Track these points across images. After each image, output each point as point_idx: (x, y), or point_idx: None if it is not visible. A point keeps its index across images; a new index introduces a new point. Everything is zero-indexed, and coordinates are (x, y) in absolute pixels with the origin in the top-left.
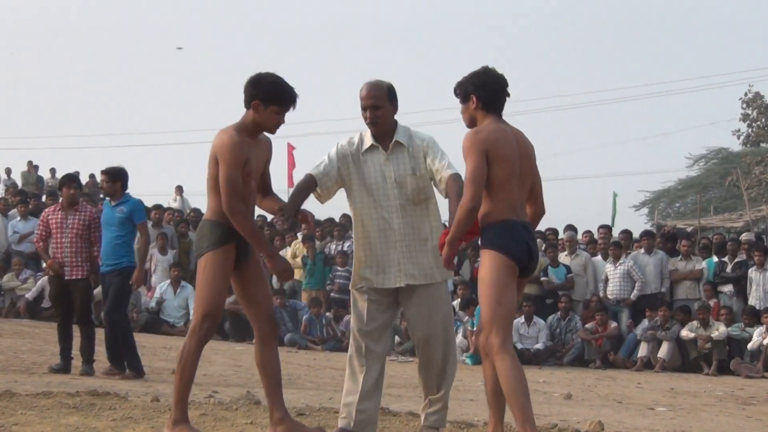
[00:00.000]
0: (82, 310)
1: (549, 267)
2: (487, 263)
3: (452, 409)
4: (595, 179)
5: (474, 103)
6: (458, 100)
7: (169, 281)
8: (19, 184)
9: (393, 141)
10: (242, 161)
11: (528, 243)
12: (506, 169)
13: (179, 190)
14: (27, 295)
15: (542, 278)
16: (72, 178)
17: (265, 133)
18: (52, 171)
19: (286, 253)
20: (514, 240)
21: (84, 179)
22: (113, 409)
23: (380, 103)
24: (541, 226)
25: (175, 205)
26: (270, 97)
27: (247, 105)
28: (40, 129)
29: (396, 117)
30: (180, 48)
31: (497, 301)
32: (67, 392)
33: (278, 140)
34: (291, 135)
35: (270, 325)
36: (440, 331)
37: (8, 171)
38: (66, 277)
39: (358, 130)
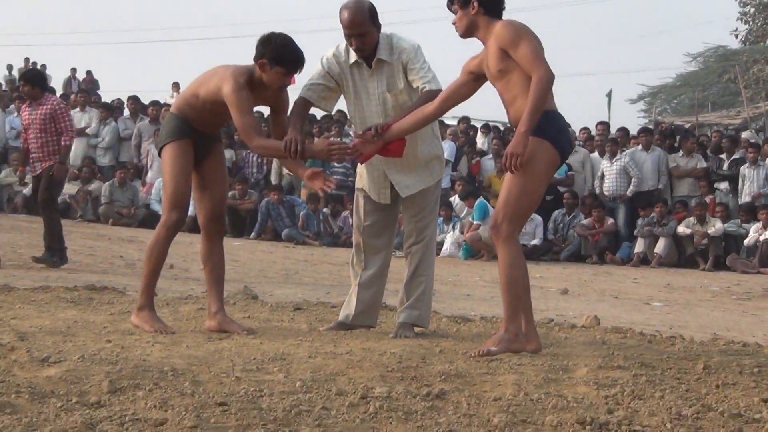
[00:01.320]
0: (42, 194)
1: None
2: (538, 153)
3: (448, 304)
4: (593, 76)
5: (475, 9)
6: (454, 7)
7: None
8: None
9: (375, 58)
10: (251, 106)
11: (570, 138)
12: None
13: (176, 86)
14: (24, 191)
15: None
16: (28, 76)
17: None
18: (43, 67)
19: None
20: (563, 133)
21: (81, 75)
22: (111, 304)
23: (365, 29)
24: None
25: (171, 101)
26: (277, 58)
27: (256, 61)
28: (38, 25)
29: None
30: None
31: (523, 191)
32: (65, 287)
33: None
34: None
35: (216, 225)
36: (423, 233)
37: (9, 67)
38: (35, 173)
39: None
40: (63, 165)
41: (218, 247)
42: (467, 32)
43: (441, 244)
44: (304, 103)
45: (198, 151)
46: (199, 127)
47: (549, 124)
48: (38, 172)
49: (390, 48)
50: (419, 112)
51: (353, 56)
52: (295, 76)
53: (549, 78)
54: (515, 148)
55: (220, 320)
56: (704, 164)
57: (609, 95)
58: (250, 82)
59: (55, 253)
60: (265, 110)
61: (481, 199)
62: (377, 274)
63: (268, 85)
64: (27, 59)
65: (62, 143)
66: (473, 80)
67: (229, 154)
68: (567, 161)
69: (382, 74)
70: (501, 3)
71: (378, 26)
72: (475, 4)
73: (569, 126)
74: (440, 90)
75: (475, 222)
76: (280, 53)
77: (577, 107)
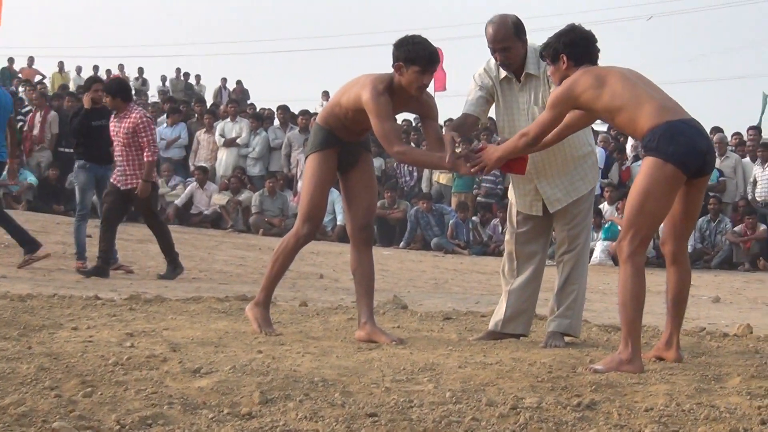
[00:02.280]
0: (139, 212)
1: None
2: (644, 169)
3: (598, 313)
4: (745, 80)
5: (565, 63)
6: (546, 62)
7: None
8: (170, 91)
9: (524, 72)
10: (390, 112)
11: (695, 142)
12: (620, 80)
13: (326, 95)
14: (176, 201)
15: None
16: (109, 87)
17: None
18: (197, 78)
19: None
20: (675, 143)
21: (231, 85)
22: None
23: (509, 44)
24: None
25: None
26: (410, 57)
27: (393, 65)
28: (188, 36)
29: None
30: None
31: (640, 209)
32: (217, 297)
33: None
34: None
35: (363, 233)
36: (576, 241)
37: (163, 78)
38: (121, 187)
39: None
40: (147, 182)
41: (367, 257)
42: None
43: (591, 251)
44: (464, 119)
45: (344, 161)
46: (343, 136)
47: (655, 140)
48: (128, 187)
49: (537, 61)
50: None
51: (503, 71)
52: (443, 80)
53: (529, 143)
54: (486, 158)
55: (370, 330)
56: None
57: (765, 98)
58: (390, 88)
59: (176, 264)
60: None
61: None
62: (529, 280)
63: (408, 88)
64: (179, 70)
65: (145, 159)
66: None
67: (378, 162)
68: (718, 167)
69: (531, 88)
70: (592, 54)
71: (524, 41)
72: (564, 58)
73: (696, 129)
74: None
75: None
76: (412, 51)
77: (726, 110)
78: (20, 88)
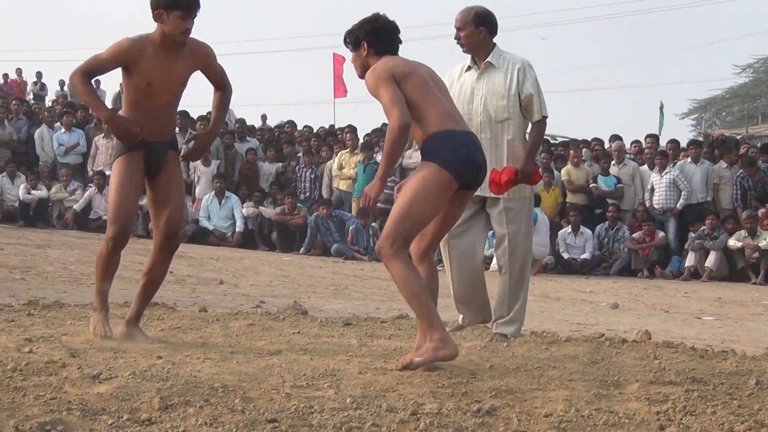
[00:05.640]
0: None
1: (599, 176)
2: (419, 173)
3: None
4: (642, 88)
5: (365, 50)
6: (349, 49)
7: (213, 192)
8: (69, 96)
9: (485, 62)
10: (118, 59)
11: (473, 155)
12: (419, 84)
13: None
14: (75, 206)
15: (591, 185)
16: None
17: (196, 40)
18: (97, 83)
19: (333, 164)
20: (455, 152)
21: None
22: (161, 320)
23: (462, 25)
24: (587, 136)
25: None
26: (169, 3)
27: (153, 17)
28: (89, 41)
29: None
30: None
31: (406, 211)
32: (116, 303)
33: (323, 51)
34: (337, 45)
35: (168, 242)
36: (516, 246)
37: (62, 83)
38: None
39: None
40: None
41: (165, 264)
42: (362, 74)
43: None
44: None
45: (152, 163)
46: (142, 135)
47: (436, 147)
48: None
49: (501, 56)
50: None
51: (469, 62)
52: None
53: (401, 125)
54: (368, 190)
55: (129, 331)
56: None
57: (661, 108)
58: (150, 41)
59: None
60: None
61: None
62: (465, 278)
63: (171, 37)
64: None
65: None
66: None
67: (275, 167)
68: (615, 174)
69: (487, 77)
70: (393, 44)
71: (481, 30)
72: (365, 45)
73: (475, 143)
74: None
75: None
76: None
77: (625, 119)
78: None
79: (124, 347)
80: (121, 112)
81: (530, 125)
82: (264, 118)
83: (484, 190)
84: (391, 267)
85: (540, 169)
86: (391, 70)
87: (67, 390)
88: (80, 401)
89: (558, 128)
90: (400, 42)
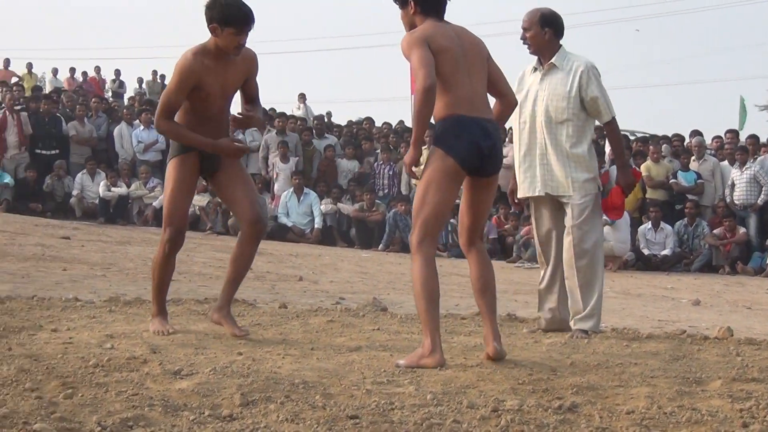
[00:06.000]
0: None
1: (679, 172)
2: (430, 159)
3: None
4: (722, 83)
5: (412, 8)
6: (397, 6)
7: (292, 189)
8: (146, 93)
9: (548, 63)
10: (188, 86)
11: (478, 142)
12: (449, 62)
13: (302, 97)
14: (154, 203)
15: (671, 181)
16: None
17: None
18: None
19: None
20: (459, 138)
21: None
22: (242, 316)
23: (527, 26)
24: (667, 131)
25: (298, 113)
26: (225, 19)
27: (208, 28)
28: (165, 38)
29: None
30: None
31: (423, 199)
32: (196, 299)
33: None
34: None
35: (251, 228)
36: (581, 242)
37: (140, 80)
38: None
39: None
40: None
41: (251, 250)
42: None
43: None
44: None
45: (206, 164)
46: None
47: (442, 132)
48: None
49: (565, 58)
50: None
51: (536, 64)
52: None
53: (426, 87)
54: (405, 157)
55: (223, 316)
56: None
57: (743, 103)
58: (208, 52)
59: None
60: None
61: None
62: (552, 283)
63: (225, 51)
64: (155, 72)
65: None
66: None
67: (353, 164)
68: (696, 170)
69: (550, 78)
70: (439, 3)
71: (546, 31)
72: (412, 3)
73: (484, 129)
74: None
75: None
76: (226, 13)
77: (705, 113)
78: None
79: (204, 343)
80: (176, 117)
81: (587, 131)
82: (329, 115)
83: (555, 190)
84: (413, 260)
85: (635, 169)
86: (428, 38)
87: (148, 386)
88: (162, 397)
89: (638, 124)
90: (446, 2)
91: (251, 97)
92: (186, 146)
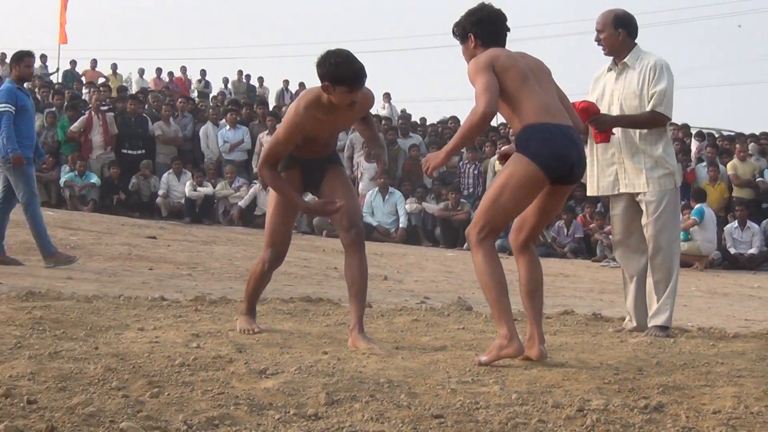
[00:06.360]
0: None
1: (766, 170)
2: (511, 164)
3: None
4: None
5: (473, 42)
6: (458, 41)
7: (377, 188)
8: (231, 93)
9: (621, 62)
10: (296, 138)
11: (565, 150)
12: (518, 76)
13: (387, 97)
14: (240, 203)
15: (758, 179)
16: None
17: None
18: (260, 80)
19: (496, 159)
20: (545, 146)
21: (294, 87)
22: (326, 315)
23: (601, 27)
24: (755, 130)
25: (383, 112)
26: (336, 78)
27: (321, 86)
28: (251, 38)
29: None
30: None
31: (495, 201)
32: (281, 298)
33: None
34: None
35: (345, 235)
36: (654, 238)
37: (225, 81)
38: None
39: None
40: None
41: (356, 260)
42: None
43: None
44: None
45: (308, 180)
46: (301, 155)
47: (527, 139)
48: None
49: (638, 57)
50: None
51: (610, 65)
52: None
53: (484, 113)
54: (431, 157)
55: (355, 338)
56: None
57: None
58: (322, 104)
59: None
60: None
61: (700, 205)
62: (636, 286)
63: (337, 105)
64: (240, 72)
65: None
66: None
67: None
68: None
69: (624, 78)
70: (499, 34)
71: (620, 33)
72: (472, 36)
73: (570, 138)
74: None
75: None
76: (336, 73)
77: None
78: (84, 90)
79: (290, 343)
80: None
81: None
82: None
83: (632, 188)
84: (474, 254)
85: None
86: (492, 60)
87: (234, 385)
88: (247, 396)
89: (724, 122)
90: (508, 30)
91: (370, 137)
92: (286, 163)
